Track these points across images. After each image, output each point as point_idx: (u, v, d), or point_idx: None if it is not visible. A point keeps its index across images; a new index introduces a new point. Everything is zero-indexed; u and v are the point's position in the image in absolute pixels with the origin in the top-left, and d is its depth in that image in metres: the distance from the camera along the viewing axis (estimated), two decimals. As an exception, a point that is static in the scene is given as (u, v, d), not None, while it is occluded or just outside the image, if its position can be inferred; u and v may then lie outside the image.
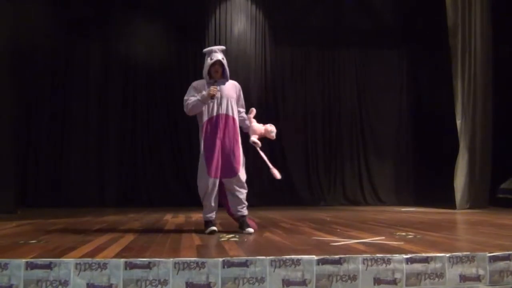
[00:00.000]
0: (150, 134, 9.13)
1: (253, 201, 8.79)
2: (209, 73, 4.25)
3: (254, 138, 4.40)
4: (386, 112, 9.80)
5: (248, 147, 4.52)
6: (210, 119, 4.23)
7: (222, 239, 3.79)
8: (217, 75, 4.25)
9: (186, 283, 2.68)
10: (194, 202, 8.78)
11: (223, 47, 4.40)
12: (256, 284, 2.71)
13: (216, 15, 9.26)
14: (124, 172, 8.96)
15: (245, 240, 3.75)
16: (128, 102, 9.15)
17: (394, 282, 2.81)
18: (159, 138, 9.13)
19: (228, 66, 4.33)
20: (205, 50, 4.35)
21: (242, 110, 4.49)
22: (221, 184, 4.25)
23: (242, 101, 4.49)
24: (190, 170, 9.05)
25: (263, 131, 4.48)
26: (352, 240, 3.68)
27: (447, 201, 7.84)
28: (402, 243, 3.48)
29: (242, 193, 4.27)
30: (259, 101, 9.18)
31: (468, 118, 7.75)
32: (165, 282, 2.67)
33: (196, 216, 6.30)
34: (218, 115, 4.22)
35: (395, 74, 9.90)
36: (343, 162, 9.62)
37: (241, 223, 4.29)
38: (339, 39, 9.70)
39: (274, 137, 4.53)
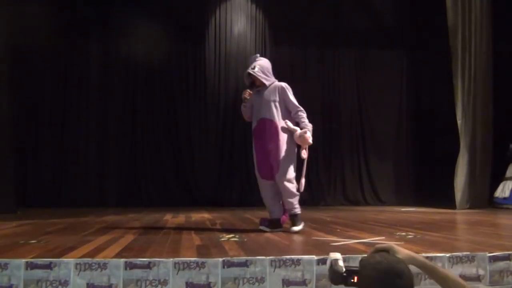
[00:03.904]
0: (150, 134, 9.12)
1: (254, 201, 8.83)
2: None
3: (302, 153, 4.25)
4: (386, 112, 9.78)
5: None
6: (255, 124, 4.41)
7: (222, 239, 3.79)
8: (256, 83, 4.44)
9: (186, 283, 2.68)
10: (194, 202, 8.88)
11: (255, 56, 4.57)
12: (256, 284, 2.71)
13: (216, 15, 9.26)
14: (124, 172, 8.95)
15: (245, 240, 3.75)
16: (128, 102, 9.13)
17: (394, 282, 2.80)
18: (159, 138, 9.12)
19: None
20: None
21: (295, 110, 4.44)
22: None
23: (289, 102, 4.45)
24: (190, 170, 9.09)
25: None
26: (352, 240, 3.68)
27: (447, 201, 7.83)
28: (402, 243, 3.47)
29: (287, 192, 4.24)
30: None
31: (468, 118, 7.73)
32: (165, 282, 2.67)
33: (196, 216, 6.31)
34: (259, 120, 4.38)
35: (395, 74, 9.89)
36: (343, 162, 9.61)
37: (292, 220, 4.33)
38: (339, 39, 9.69)
39: (305, 143, 4.26)
